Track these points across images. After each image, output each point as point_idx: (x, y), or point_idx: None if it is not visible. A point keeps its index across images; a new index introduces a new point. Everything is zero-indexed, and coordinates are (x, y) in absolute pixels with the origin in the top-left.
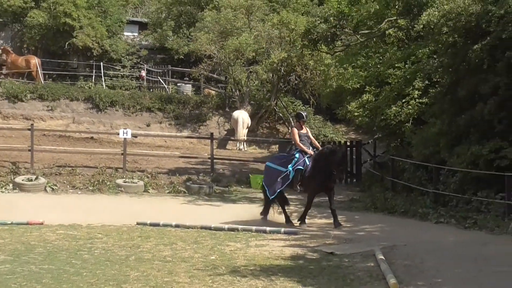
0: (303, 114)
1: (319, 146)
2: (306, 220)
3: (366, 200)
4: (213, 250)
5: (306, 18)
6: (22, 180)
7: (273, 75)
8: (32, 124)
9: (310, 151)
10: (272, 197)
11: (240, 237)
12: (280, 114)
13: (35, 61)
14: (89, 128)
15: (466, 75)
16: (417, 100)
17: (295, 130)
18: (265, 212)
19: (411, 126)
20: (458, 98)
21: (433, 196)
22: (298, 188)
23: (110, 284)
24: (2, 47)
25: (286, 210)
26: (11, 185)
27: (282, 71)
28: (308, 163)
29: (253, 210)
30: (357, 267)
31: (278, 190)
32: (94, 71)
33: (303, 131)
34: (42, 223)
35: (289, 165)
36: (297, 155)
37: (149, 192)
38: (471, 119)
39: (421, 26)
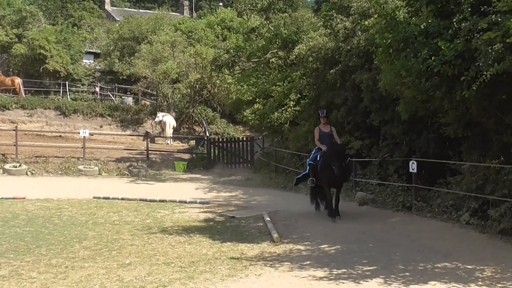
0: (321, 111)
1: (338, 141)
2: (215, 194)
3: (257, 179)
4: (148, 216)
5: (213, 50)
6: (9, 166)
7: (190, 90)
8: (16, 126)
9: (324, 147)
10: (295, 183)
11: (168, 206)
12: (196, 118)
13: (18, 80)
14: (58, 129)
15: (325, 91)
16: (292, 108)
17: (317, 130)
18: (315, 205)
19: (288, 126)
20: (320, 107)
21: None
22: (310, 181)
23: (74, 240)
24: None
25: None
26: (1, 170)
27: (197, 87)
28: (319, 159)
29: (177, 186)
30: (251, 226)
31: (296, 178)
32: (61, 88)
33: (326, 130)
34: (24, 198)
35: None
36: (313, 152)
37: (102, 175)
38: (329, 121)
39: (294, 56)
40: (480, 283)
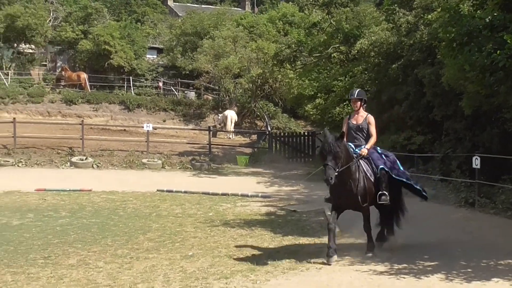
0: (353, 92)
1: (371, 142)
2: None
3: (319, 173)
4: (211, 209)
5: (275, 45)
6: (76, 159)
7: (252, 85)
8: (82, 120)
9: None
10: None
11: (230, 199)
12: (258, 113)
13: (84, 76)
14: (122, 123)
15: (387, 86)
16: None
17: (345, 120)
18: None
19: None
20: (382, 102)
21: None
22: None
23: (139, 232)
24: (62, 66)
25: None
26: (68, 163)
27: (259, 82)
28: None
29: (239, 180)
30: (312, 220)
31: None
32: (125, 83)
33: (358, 121)
34: (90, 190)
35: None
36: None
37: (165, 168)
38: (390, 116)
39: (356, 51)
40: None
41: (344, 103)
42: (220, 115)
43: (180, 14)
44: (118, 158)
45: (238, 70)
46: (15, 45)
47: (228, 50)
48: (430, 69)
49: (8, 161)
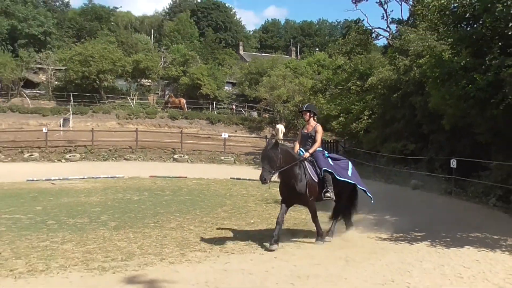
0: (303, 106)
1: (314, 147)
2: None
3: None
4: (266, 191)
5: (311, 81)
6: (177, 156)
7: (295, 108)
8: (181, 130)
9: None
10: None
11: (277, 185)
12: (299, 127)
13: (183, 100)
14: (208, 132)
15: (389, 109)
16: (365, 120)
17: (300, 131)
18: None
19: (363, 133)
20: (386, 120)
21: (373, 167)
22: None
23: (217, 206)
24: (169, 94)
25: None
26: (171, 159)
27: (300, 105)
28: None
29: None
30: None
31: None
32: (210, 105)
33: (308, 130)
34: (185, 177)
35: None
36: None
37: (236, 163)
38: (391, 130)
39: (368, 85)
40: (504, 249)
41: (359, 121)
42: (277, 126)
43: (248, 60)
44: (204, 155)
45: (286, 98)
46: (138, 80)
47: (280, 84)
48: (421, 97)
49: (132, 157)
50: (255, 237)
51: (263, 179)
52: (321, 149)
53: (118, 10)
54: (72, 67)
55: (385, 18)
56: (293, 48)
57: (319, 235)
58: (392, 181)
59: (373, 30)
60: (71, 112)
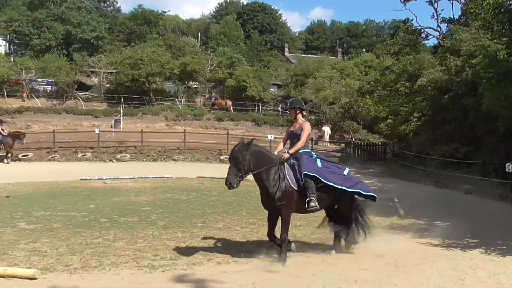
0: (288, 101)
1: (295, 147)
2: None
3: (388, 172)
4: None
5: (358, 82)
6: (223, 157)
7: (341, 110)
8: (227, 132)
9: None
10: None
11: None
12: (345, 129)
13: (229, 102)
14: (254, 134)
15: (439, 111)
16: (415, 123)
17: (288, 129)
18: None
19: (411, 135)
20: (436, 122)
21: (422, 171)
22: None
23: (263, 207)
24: (215, 96)
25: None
26: (218, 160)
27: (346, 107)
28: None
29: None
30: (383, 205)
31: None
32: (256, 107)
33: (294, 127)
34: None
35: None
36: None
37: None
38: (442, 132)
39: (417, 86)
40: None
41: (407, 123)
42: (323, 128)
43: (293, 61)
44: None
45: (332, 99)
46: (186, 82)
47: (326, 86)
48: (473, 99)
49: (180, 157)
50: (302, 239)
51: (228, 184)
52: (308, 150)
53: (166, 14)
54: (123, 70)
55: (435, 17)
56: (339, 49)
57: (282, 259)
58: (443, 185)
59: (422, 30)
60: (121, 113)
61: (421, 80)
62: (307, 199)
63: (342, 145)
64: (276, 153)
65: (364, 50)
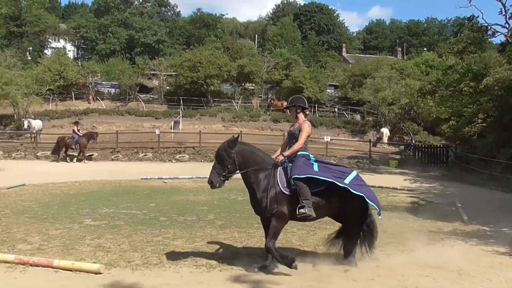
0: (289, 100)
1: (292, 149)
2: None
3: (450, 176)
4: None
5: (419, 82)
6: None
7: (401, 111)
8: (283, 133)
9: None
10: None
11: (383, 191)
12: (405, 130)
13: (285, 103)
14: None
15: (507, 111)
16: (479, 124)
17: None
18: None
19: (476, 138)
20: (503, 124)
21: (488, 175)
22: None
23: None
24: (271, 97)
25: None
26: None
27: (406, 108)
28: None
29: (390, 178)
30: (446, 209)
31: None
32: (312, 108)
33: (294, 126)
34: None
35: None
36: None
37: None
38: (510, 135)
39: (482, 86)
40: None
41: (471, 124)
42: (382, 130)
43: (351, 61)
44: None
45: (391, 100)
46: (243, 84)
47: (384, 86)
48: None
49: None
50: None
51: (210, 182)
52: (306, 153)
53: (224, 17)
54: (182, 72)
55: (503, 13)
56: (399, 49)
57: (265, 266)
58: (510, 190)
59: (489, 27)
60: (180, 115)
61: (487, 79)
62: (299, 205)
63: (402, 147)
64: (274, 157)
65: (425, 49)
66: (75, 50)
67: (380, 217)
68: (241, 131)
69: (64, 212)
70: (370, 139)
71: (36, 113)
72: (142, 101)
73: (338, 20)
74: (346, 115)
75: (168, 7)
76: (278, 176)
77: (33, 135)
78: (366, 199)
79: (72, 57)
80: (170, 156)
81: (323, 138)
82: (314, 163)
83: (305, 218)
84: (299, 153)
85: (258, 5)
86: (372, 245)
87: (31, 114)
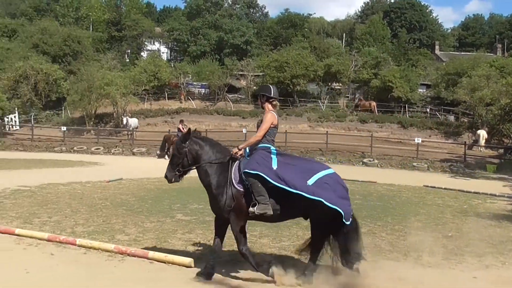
0: (271, 89)
1: (248, 141)
2: None
3: None
4: (465, 202)
5: None
6: (366, 160)
7: (501, 111)
8: (371, 134)
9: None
10: None
11: (480, 197)
12: (504, 133)
13: (374, 104)
14: (399, 137)
15: None
16: None
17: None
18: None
19: None
20: None
21: None
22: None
23: (410, 214)
24: (359, 97)
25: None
26: (360, 163)
27: (507, 109)
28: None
29: (487, 183)
30: None
31: None
32: (402, 109)
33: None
34: (375, 182)
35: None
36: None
37: (429, 170)
38: None
39: None
40: None
41: None
42: (478, 132)
43: (444, 60)
44: (395, 161)
45: (490, 100)
46: (329, 83)
47: (482, 85)
48: None
49: (322, 159)
50: (454, 252)
51: (165, 177)
52: (267, 145)
53: (311, 16)
54: (269, 73)
55: None
56: (499, 45)
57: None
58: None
59: None
60: None
61: None
62: (252, 202)
63: (501, 151)
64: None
65: None
66: (169, 52)
67: (347, 223)
68: (327, 131)
69: (157, 206)
70: (465, 142)
71: (132, 112)
72: (230, 100)
73: (431, 16)
74: (439, 115)
75: (257, 8)
76: (233, 171)
77: (129, 133)
78: (325, 202)
79: (165, 59)
80: None
81: (414, 140)
82: (275, 157)
83: (262, 217)
84: (260, 145)
85: (346, 4)
86: (348, 258)
87: (128, 113)
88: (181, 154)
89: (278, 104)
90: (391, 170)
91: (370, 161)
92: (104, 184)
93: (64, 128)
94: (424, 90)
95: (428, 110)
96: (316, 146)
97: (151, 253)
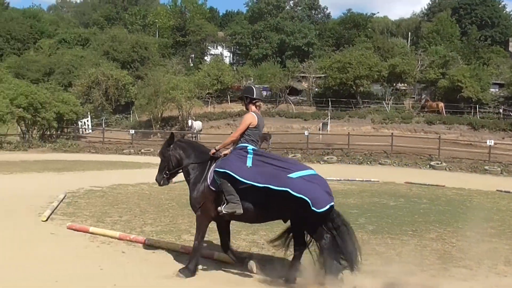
0: (253, 90)
1: (225, 141)
2: None
3: None
4: None
5: None
6: (433, 163)
7: None
8: (439, 136)
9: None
10: None
11: None
12: None
13: (441, 104)
14: (469, 139)
15: None
16: None
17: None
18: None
19: None
20: None
21: None
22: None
23: (482, 221)
24: (426, 98)
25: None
26: (427, 165)
27: None
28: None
29: None
30: None
31: None
32: (472, 109)
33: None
34: (443, 186)
35: None
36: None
37: (503, 174)
38: None
39: None
40: None
41: None
42: None
43: None
44: (465, 164)
45: None
46: (394, 84)
47: None
48: None
49: (387, 162)
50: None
51: (155, 180)
52: (245, 145)
53: (375, 16)
54: (331, 74)
55: None
56: None
57: (185, 271)
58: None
59: None
60: (329, 116)
61: None
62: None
63: None
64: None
65: None
66: (231, 56)
67: (315, 209)
68: (392, 133)
69: None
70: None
71: (196, 115)
72: (291, 103)
73: (505, 12)
74: None
75: (318, 10)
76: (210, 170)
77: (194, 135)
78: (291, 192)
79: (228, 63)
80: (318, 157)
81: (485, 142)
82: (251, 156)
83: (233, 216)
84: (238, 145)
85: (411, 2)
86: (329, 264)
87: (193, 116)
88: (166, 158)
89: (262, 104)
90: (461, 173)
91: (437, 164)
92: (171, 185)
93: (132, 131)
94: (497, 90)
95: (501, 110)
96: (381, 148)
97: (217, 254)
